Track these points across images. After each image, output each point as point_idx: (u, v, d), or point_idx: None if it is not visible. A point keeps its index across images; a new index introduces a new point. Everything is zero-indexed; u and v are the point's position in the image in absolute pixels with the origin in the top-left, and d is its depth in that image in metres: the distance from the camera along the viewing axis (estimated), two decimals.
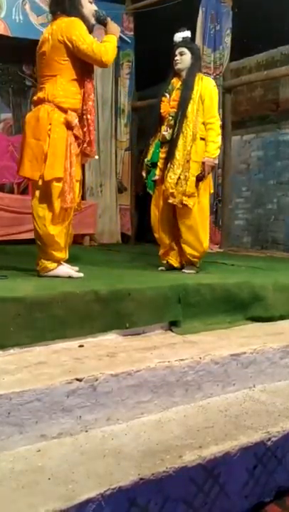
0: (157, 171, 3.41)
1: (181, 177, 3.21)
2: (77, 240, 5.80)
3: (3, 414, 1.55)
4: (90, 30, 2.76)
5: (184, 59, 3.34)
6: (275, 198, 6.30)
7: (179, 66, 3.35)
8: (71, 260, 2.92)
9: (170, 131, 3.30)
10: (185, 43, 3.39)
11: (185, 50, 3.35)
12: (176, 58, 3.36)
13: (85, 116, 2.76)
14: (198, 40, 5.80)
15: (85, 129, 2.77)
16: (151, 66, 6.60)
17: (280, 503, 1.80)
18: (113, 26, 2.83)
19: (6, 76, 6.57)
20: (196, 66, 3.40)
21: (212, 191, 3.46)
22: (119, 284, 2.47)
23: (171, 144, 3.26)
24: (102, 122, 6.31)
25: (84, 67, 2.74)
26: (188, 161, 3.22)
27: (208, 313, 2.64)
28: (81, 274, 2.78)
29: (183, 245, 3.34)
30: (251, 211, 6.63)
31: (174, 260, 3.45)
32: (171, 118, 3.31)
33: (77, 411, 1.70)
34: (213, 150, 3.25)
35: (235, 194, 6.65)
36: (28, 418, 1.59)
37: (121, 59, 6.41)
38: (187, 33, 3.42)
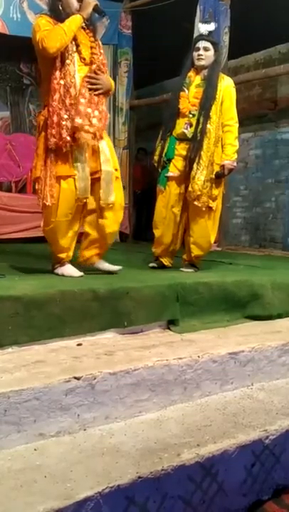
0: (172, 168, 3.26)
1: (206, 179, 3.15)
2: None
3: (1, 412, 1.55)
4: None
5: (208, 55, 3.19)
6: (273, 196, 6.30)
7: (202, 63, 3.19)
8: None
9: (190, 129, 3.18)
10: (210, 37, 3.23)
11: (210, 45, 3.19)
12: (200, 53, 3.18)
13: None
14: None
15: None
16: (149, 64, 6.60)
17: (277, 500, 1.81)
18: (84, 3, 2.63)
19: (4, 74, 6.55)
20: (218, 64, 3.27)
21: (224, 192, 3.43)
22: (118, 283, 2.47)
23: (196, 145, 3.15)
24: None
25: (50, 62, 2.58)
26: (212, 164, 3.17)
27: (207, 312, 2.64)
28: (81, 273, 2.77)
29: (192, 246, 3.30)
30: (249, 210, 6.63)
31: (165, 259, 3.43)
32: (191, 116, 3.18)
33: (75, 409, 1.70)
34: (232, 153, 3.20)
35: (234, 193, 6.65)
36: (26, 417, 1.59)
37: (119, 57, 6.40)
38: (213, 26, 3.27)
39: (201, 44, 3.19)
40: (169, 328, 2.51)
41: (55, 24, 2.56)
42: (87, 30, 2.71)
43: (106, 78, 2.69)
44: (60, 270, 2.77)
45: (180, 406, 1.96)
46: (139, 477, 1.44)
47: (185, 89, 3.23)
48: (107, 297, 2.29)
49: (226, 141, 3.19)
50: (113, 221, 2.82)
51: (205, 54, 3.18)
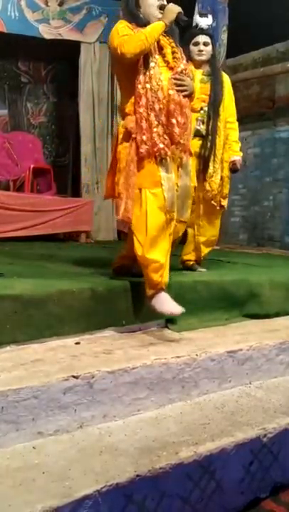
0: None
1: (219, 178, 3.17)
2: (73, 237, 5.81)
3: None
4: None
5: (208, 50, 3.13)
6: (271, 195, 6.31)
7: (204, 58, 3.14)
8: (67, 258, 2.91)
9: (203, 126, 3.13)
10: (209, 31, 3.19)
11: (209, 40, 3.14)
12: (200, 48, 3.11)
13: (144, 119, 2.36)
14: None
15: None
16: None
17: (275, 498, 1.81)
18: (167, 10, 2.43)
19: (2, 72, 6.55)
20: (216, 58, 3.24)
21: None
22: (116, 282, 2.47)
23: (210, 142, 3.10)
24: (98, 119, 6.30)
25: (132, 67, 2.40)
26: (221, 162, 3.17)
27: (205, 311, 2.64)
28: (182, 309, 2.29)
29: (202, 245, 3.28)
30: (247, 208, 6.64)
31: None
32: (203, 112, 3.11)
33: (73, 408, 1.70)
34: (238, 150, 3.22)
35: (232, 191, 6.63)
36: (24, 415, 1.59)
37: None
38: (211, 19, 3.22)
39: (201, 39, 3.13)
40: (167, 327, 2.51)
41: (135, 30, 2.39)
42: (168, 36, 2.54)
43: (190, 81, 2.53)
44: (156, 302, 2.29)
45: (178, 404, 1.96)
46: (138, 475, 1.44)
47: None
48: (105, 296, 2.29)
49: (231, 138, 3.20)
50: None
51: (205, 49, 3.13)
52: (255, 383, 2.26)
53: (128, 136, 2.38)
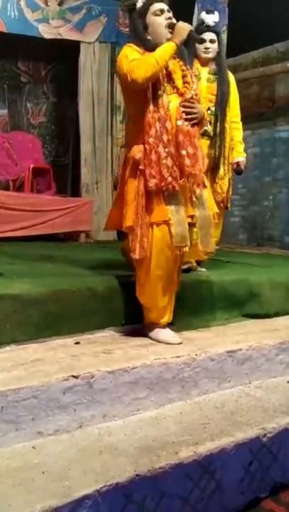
0: None
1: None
2: (73, 237, 5.81)
3: None
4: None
5: (214, 48, 3.07)
6: (271, 195, 6.31)
7: (210, 55, 3.07)
8: (67, 258, 2.91)
9: (210, 126, 3.06)
10: (215, 28, 3.11)
11: (215, 37, 3.08)
12: (206, 46, 3.04)
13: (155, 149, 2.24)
14: None
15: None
16: None
17: (275, 498, 1.82)
18: (177, 29, 2.27)
19: (2, 72, 6.54)
20: (223, 57, 3.16)
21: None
22: (115, 281, 2.47)
23: (219, 143, 3.06)
24: (97, 119, 6.30)
25: (140, 94, 2.27)
26: (228, 164, 3.14)
27: (205, 310, 2.65)
28: (180, 340, 2.29)
29: None
30: (247, 208, 6.64)
31: None
32: (210, 112, 3.03)
33: (73, 408, 1.70)
34: (242, 150, 3.20)
35: (232, 191, 6.65)
36: (24, 415, 1.60)
37: (117, 55, 6.39)
38: (217, 16, 3.13)
39: (208, 36, 3.06)
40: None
41: (144, 53, 2.25)
42: (177, 59, 2.38)
43: (200, 107, 2.41)
44: (154, 334, 2.29)
45: (178, 404, 1.96)
46: (137, 475, 1.44)
47: None
48: (105, 295, 2.29)
49: (235, 138, 3.16)
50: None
51: (211, 46, 3.07)
52: (255, 383, 2.26)
53: (136, 167, 2.27)
